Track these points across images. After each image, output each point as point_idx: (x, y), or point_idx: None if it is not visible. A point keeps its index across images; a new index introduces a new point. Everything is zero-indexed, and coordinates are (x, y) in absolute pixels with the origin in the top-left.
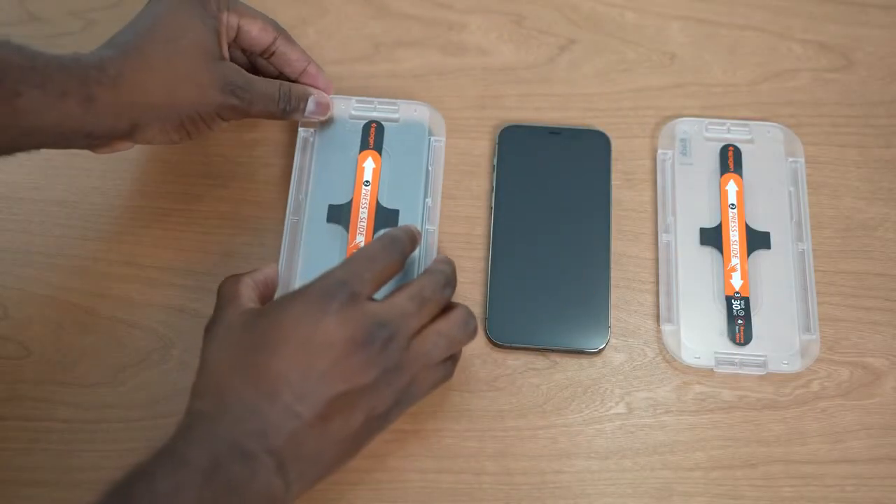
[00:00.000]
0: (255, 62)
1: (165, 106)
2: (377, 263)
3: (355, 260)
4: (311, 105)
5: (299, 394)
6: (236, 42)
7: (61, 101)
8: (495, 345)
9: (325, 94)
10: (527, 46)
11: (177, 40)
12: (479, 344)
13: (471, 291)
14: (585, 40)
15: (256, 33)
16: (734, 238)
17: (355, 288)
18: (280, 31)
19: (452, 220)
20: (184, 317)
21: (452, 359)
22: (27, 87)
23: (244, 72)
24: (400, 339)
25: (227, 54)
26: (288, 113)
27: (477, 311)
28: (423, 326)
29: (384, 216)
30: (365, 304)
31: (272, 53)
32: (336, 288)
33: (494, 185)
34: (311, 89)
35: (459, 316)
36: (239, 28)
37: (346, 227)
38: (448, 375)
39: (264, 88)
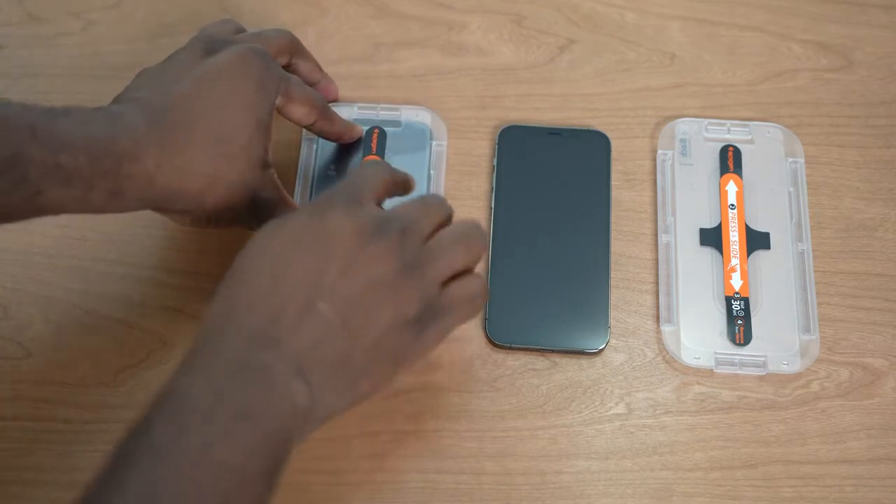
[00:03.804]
0: None
1: (193, 208)
2: (373, 178)
3: (350, 174)
4: None
5: (317, 290)
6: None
7: (86, 194)
8: (495, 345)
9: None
10: (527, 46)
11: (229, 142)
12: (479, 344)
13: None
14: (585, 40)
15: (297, 117)
16: (734, 238)
17: (356, 192)
18: (320, 107)
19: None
20: (183, 317)
21: (478, 287)
22: (50, 183)
23: (279, 185)
24: (413, 234)
25: (271, 159)
26: None
27: None
28: (434, 232)
29: None
30: (370, 205)
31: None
32: (337, 193)
33: (494, 185)
34: None
35: (469, 221)
36: (281, 109)
37: None
38: (477, 302)
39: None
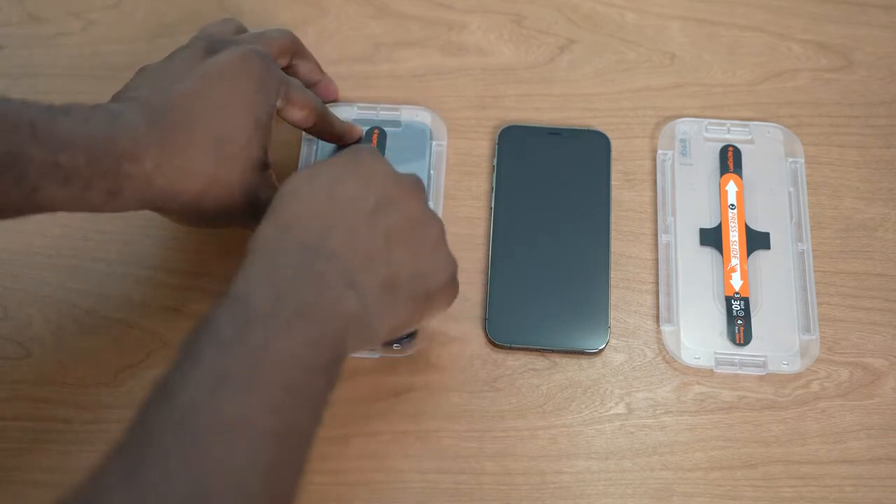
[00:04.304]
0: None
1: (191, 208)
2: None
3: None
4: None
5: (364, 214)
6: None
7: (84, 193)
8: (495, 345)
9: None
10: (527, 46)
11: (228, 143)
12: (479, 344)
13: (471, 291)
14: (585, 40)
15: (296, 120)
16: (734, 238)
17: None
18: (319, 110)
19: (452, 221)
20: (183, 317)
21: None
22: (48, 182)
23: (276, 185)
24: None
25: (270, 160)
26: None
27: (477, 311)
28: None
29: None
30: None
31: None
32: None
33: (494, 185)
34: None
35: None
36: (280, 111)
37: None
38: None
39: None
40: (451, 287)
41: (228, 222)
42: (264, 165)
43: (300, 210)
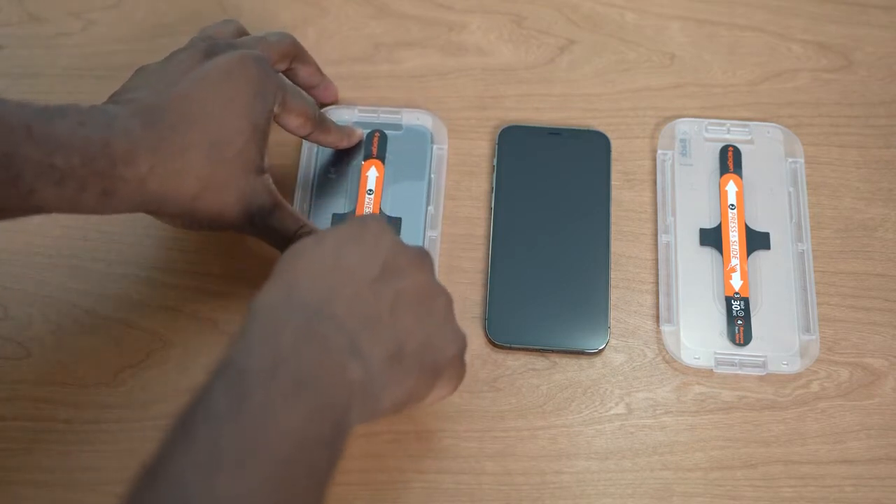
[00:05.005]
0: None
1: (185, 212)
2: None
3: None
4: None
5: (369, 280)
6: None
7: (78, 194)
8: (495, 345)
9: None
10: (527, 47)
11: (224, 145)
12: (479, 344)
13: (471, 291)
14: (585, 40)
15: (292, 127)
16: (734, 238)
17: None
18: (316, 119)
19: (452, 221)
20: (183, 317)
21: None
22: (43, 184)
23: (274, 191)
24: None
25: (267, 165)
26: None
27: (477, 311)
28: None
29: None
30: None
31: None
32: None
33: (494, 185)
34: None
35: None
36: (276, 118)
37: None
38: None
39: (283, 224)
40: (458, 363)
41: (223, 227)
42: (260, 170)
43: (304, 274)
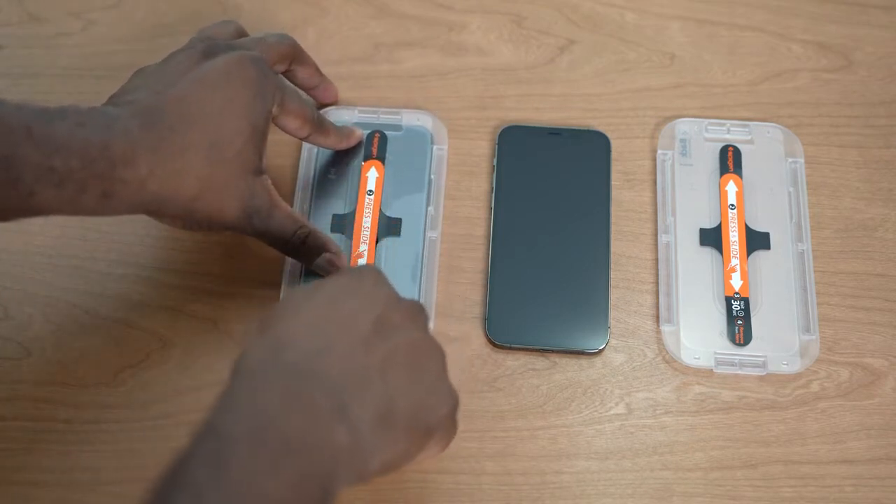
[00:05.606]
0: None
1: (184, 212)
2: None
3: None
4: (321, 261)
5: (359, 338)
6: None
7: (78, 196)
8: (495, 345)
9: (340, 258)
10: (527, 47)
11: (223, 146)
12: (479, 344)
13: (471, 291)
14: (585, 41)
15: (290, 129)
16: (734, 238)
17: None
18: (315, 121)
19: (452, 221)
20: (183, 317)
21: None
22: (43, 186)
23: (272, 191)
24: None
25: (265, 166)
26: (293, 255)
27: (477, 311)
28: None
29: (387, 225)
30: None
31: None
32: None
33: (494, 185)
34: (329, 243)
35: None
36: (275, 119)
37: (350, 236)
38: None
39: (281, 225)
40: (450, 423)
41: (222, 227)
42: (259, 171)
43: (295, 328)
